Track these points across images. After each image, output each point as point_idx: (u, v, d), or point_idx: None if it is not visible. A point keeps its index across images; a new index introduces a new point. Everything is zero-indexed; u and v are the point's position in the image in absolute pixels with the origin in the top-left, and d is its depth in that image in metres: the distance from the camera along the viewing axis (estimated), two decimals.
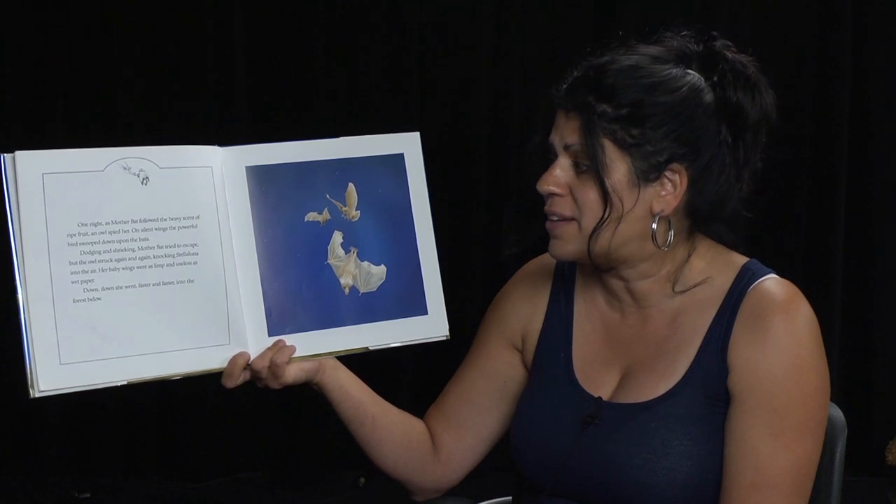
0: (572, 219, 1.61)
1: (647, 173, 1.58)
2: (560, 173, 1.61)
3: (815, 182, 3.96)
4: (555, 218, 1.62)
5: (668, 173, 1.59)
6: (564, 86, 1.62)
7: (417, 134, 1.75)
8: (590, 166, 1.58)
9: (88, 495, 3.79)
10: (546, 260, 1.78)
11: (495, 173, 3.98)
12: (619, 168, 1.58)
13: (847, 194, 3.95)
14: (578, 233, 1.61)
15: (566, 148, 1.60)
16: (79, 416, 3.92)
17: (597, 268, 1.65)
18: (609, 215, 1.58)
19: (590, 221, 1.59)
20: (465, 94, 3.97)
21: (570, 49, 3.77)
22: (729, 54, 1.63)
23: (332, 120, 3.81)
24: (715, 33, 1.66)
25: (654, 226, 1.61)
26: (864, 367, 4.00)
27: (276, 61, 3.91)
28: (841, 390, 3.90)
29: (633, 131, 1.57)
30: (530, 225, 1.68)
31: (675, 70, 1.60)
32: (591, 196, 1.59)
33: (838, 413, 1.71)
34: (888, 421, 3.91)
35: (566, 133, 1.60)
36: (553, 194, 1.61)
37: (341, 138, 1.71)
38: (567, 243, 1.62)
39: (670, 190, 1.60)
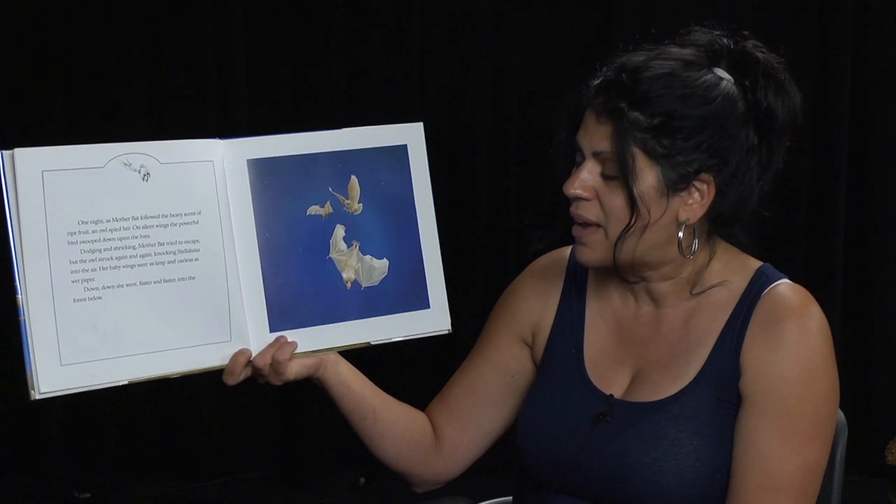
0: (598, 225, 1.60)
1: (676, 183, 1.58)
2: (587, 176, 1.59)
3: (815, 182, 3.95)
4: (580, 222, 1.61)
5: (696, 183, 1.58)
6: (595, 82, 1.61)
7: (421, 124, 1.73)
8: (618, 173, 1.57)
9: (88, 495, 3.78)
10: (558, 255, 1.78)
11: (497, 169, 3.98)
12: (647, 177, 1.57)
13: (847, 194, 3.94)
14: (605, 240, 1.60)
15: (595, 154, 1.59)
16: (79, 416, 3.90)
17: (620, 274, 1.64)
18: (635, 223, 1.57)
19: (615, 229, 1.58)
20: (465, 90, 3.96)
21: (570, 48, 3.80)
22: (760, 55, 1.62)
23: (332, 120, 3.79)
24: (746, 32, 1.65)
25: (681, 234, 1.60)
26: (864, 367, 3.99)
27: (276, 61, 3.90)
28: (841, 390, 3.88)
29: (665, 141, 1.56)
30: (554, 222, 1.67)
31: (708, 77, 1.59)
32: (617, 203, 1.58)
33: (839, 413, 1.71)
34: (888, 421, 3.90)
35: (596, 139, 1.59)
36: (579, 198, 1.60)
37: (344, 129, 1.69)
38: (594, 251, 1.62)
39: (697, 199, 1.59)
